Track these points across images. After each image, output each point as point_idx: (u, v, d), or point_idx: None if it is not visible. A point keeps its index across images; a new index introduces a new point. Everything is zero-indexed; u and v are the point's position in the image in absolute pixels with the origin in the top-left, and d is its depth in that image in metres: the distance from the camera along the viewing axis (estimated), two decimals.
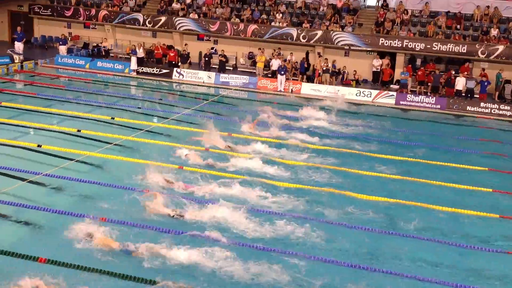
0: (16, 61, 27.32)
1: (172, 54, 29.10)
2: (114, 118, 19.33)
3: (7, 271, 9.35)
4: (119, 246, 10.28)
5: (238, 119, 20.07)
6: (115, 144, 16.15)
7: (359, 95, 26.29)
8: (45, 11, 32.62)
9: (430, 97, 25.77)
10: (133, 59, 28.27)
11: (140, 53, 28.84)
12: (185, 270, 9.77)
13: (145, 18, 31.00)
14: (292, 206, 12.81)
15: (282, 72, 26.73)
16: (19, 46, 28.06)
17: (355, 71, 27.98)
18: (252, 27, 29.55)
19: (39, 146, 15.75)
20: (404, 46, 27.63)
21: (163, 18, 30.82)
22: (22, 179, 13.12)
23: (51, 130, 17.40)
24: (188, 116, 20.17)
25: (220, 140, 17.04)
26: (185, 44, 29.59)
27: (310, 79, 27.92)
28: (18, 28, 28.88)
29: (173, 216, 11.81)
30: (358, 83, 27.82)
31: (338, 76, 27.94)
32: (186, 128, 18.68)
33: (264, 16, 30.52)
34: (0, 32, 33.60)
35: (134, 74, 28.07)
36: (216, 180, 13.81)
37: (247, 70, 29.81)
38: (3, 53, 27.77)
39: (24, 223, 11.25)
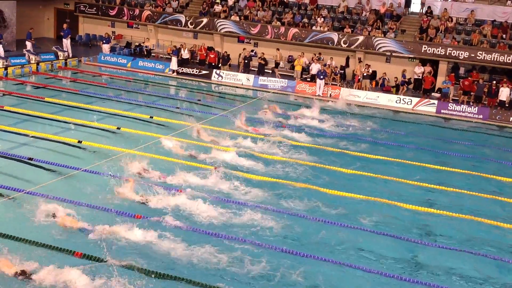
0: (61, 58, 27.98)
1: (212, 56, 29.31)
2: (152, 117, 19.57)
3: None
4: (78, 226, 11.01)
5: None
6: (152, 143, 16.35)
7: (399, 102, 25.90)
8: (90, 10, 33.32)
9: (472, 107, 25.17)
10: (174, 59, 28.58)
11: (185, 54, 29.19)
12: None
13: (187, 19, 31.31)
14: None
15: (322, 77, 26.57)
16: (66, 43, 28.69)
17: (396, 78, 27.59)
18: (293, 30, 29.50)
19: (79, 142, 16.07)
20: (447, 54, 27.09)
21: (205, 20, 31.07)
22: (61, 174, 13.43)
23: (91, 127, 17.72)
24: (225, 118, 20.22)
25: (205, 133, 17.77)
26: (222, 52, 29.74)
27: (350, 84, 27.70)
28: (64, 25, 29.52)
29: (140, 201, 12.48)
30: (398, 89, 27.40)
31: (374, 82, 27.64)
32: (222, 129, 18.71)
33: (305, 20, 30.42)
34: (46, 29, 34.47)
35: (174, 74, 28.37)
36: (193, 170, 14.48)
37: (286, 73, 29.76)
38: (49, 49, 28.47)
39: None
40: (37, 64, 26.27)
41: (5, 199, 11.85)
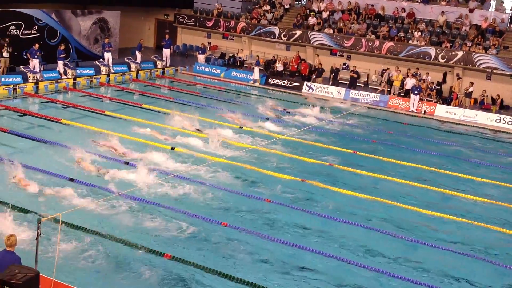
0: (159, 66, 29.13)
1: (303, 67, 29.31)
2: (242, 128, 19.84)
3: None
4: (30, 186, 12.40)
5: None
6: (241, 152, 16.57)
7: (499, 121, 24.54)
8: (189, 21, 34.50)
9: None
10: (256, 70, 29.01)
11: (279, 66, 29.52)
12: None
13: (280, 31, 31.58)
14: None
15: (416, 92, 25.75)
16: (166, 52, 29.85)
17: (498, 95, 26.19)
18: (388, 44, 28.87)
19: (172, 149, 16.56)
20: None
21: (298, 32, 31.17)
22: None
23: (184, 134, 18.22)
24: (312, 130, 20.10)
25: (186, 122, 19.04)
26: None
27: (446, 101, 26.65)
28: (166, 36, 30.70)
29: (97, 173, 13.85)
30: (501, 107, 25.98)
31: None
32: (308, 142, 18.66)
33: (401, 33, 29.68)
34: (146, 39, 36.05)
35: (256, 84, 28.78)
36: (160, 151, 15.76)
37: (379, 87, 29.15)
38: (148, 58, 29.73)
39: None
40: (137, 72, 27.52)
41: None
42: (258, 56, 30.09)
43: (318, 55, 30.13)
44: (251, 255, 10.83)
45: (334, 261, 10.87)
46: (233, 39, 33.85)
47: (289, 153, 17.38)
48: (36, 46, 23.78)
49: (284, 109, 23.56)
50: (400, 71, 27.58)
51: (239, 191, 13.90)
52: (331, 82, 28.51)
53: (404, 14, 30.89)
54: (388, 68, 28.44)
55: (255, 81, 28.99)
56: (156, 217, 12.00)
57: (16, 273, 6.92)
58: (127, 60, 27.86)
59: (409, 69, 27.62)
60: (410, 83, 26.59)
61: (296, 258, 10.87)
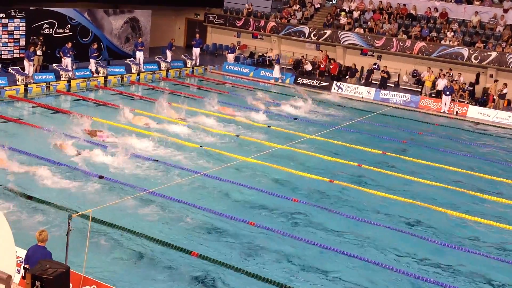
0: (189, 65, 29.30)
1: (332, 67, 29.11)
2: (270, 127, 19.81)
3: None
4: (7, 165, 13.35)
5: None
6: (268, 152, 16.51)
7: None
8: (219, 21, 34.62)
9: None
10: (276, 68, 28.98)
11: (308, 66, 29.40)
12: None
13: (310, 30, 31.42)
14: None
15: (448, 93, 25.32)
16: (196, 52, 29.99)
17: None
18: (420, 44, 28.46)
19: (201, 147, 16.63)
20: None
21: (328, 32, 30.97)
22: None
23: (213, 133, 18.29)
24: (340, 131, 19.93)
25: (172, 111, 19.82)
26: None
27: (479, 102, 26.15)
28: (197, 36, 30.88)
29: (74, 154, 14.68)
30: None
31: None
32: (336, 142, 18.52)
33: (433, 33, 29.23)
34: (177, 38, 36.29)
35: (278, 81, 28.73)
36: (139, 136, 16.54)
37: (409, 88, 28.78)
38: (178, 57, 29.93)
39: None
40: (167, 71, 27.73)
41: None
42: (278, 55, 30.06)
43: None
44: (277, 255, 10.79)
45: (361, 262, 10.76)
46: (263, 39, 33.82)
47: (316, 153, 17.27)
48: (69, 44, 24.18)
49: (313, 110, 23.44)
50: (432, 72, 27.16)
51: (267, 190, 13.88)
52: (363, 82, 28.26)
53: (437, 14, 30.41)
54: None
55: (276, 79, 28.94)
56: (184, 215, 12.07)
57: (47, 268, 7.02)
58: (158, 59, 28.11)
59: (441, 70, 27.17)
60: (442, 83, 26.17)
61: (323, 259, 10.79)
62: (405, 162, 17.34)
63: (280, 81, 28.82)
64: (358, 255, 10.94)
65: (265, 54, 32.57)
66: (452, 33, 28.68)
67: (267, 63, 31.83)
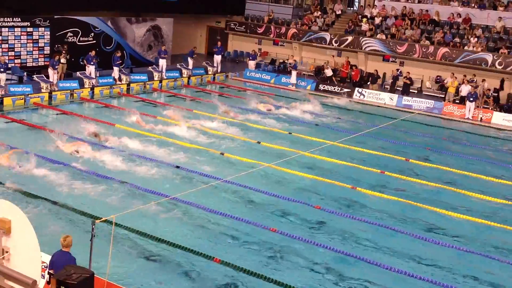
0: (210, 72, 29.44)
1: (354, 73, 28.99)
2: (291, 133, 19.77)
3: None
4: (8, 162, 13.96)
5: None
6: (290, 158, 16.46)
7: None
8: (240, 28, 34.75)
9: None
10: (293, 73, 28.95)
11: (328, 72, 29.33)
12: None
13: (332, 37, 31.35)
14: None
15: (471, 99, 25.00)
16: (217, 59, 30.14)
17: None
18: (443, 50, 28.19)
19: (221, 154, 16.67)
20: None
21: (350, 38, 30.86)
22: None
23: (233, 139, 18.32)
24: (362, 137, 19.78)
25: (192, 117, 20.32)
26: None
27: (503, 108, 25.76)
28: (218, 43, 31.02)
29: (71, 153, 15.18)
30: None
31: None
32: (358, 149, 18.40)
33: (456, 39, 28.93)
34: (198, 45, 36.53)
35: (293, 87, 28.72)
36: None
37: (433, 94, 28.49)
38: (200, 64, 30.09)
39: None
40: (189, 78, 27.90)
41: None
42: (295, 60, 30.11)
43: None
44: (298, 261, 10.73)
45: (384, 270, 10.63)
46: (284, 45, 33.84)
47: (338, 159, 17.18)
48: (93, 52, 24.49)
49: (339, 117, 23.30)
50: (456, 78, 26.85)
51: (288, 196, 13.83)
52: (388, 88, 28.08)
53: (460, 20, 30.10)
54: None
55: (292, 84, 28.92)
56: (206, 221, 12.09)
57: (72, 273, 7.07)
58: (179, 66, 28.30)
59: (465, 76, 26.84)
60: (465, 89, 25.84)
61: (346, 266, 10.70)
62: (429, 169, 17.16)
63: (294, 86, 28.80)
64: (381, 263, 10.81)
65: (286, 61, 32.56)
66: (476, 39, 28.34)
67: (288, 69, 31.79)
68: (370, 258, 10.98)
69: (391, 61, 30.35)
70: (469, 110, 25.08)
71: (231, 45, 35.74)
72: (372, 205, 13.84)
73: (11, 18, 23.30)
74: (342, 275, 10.38)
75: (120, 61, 25.58)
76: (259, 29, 34.03)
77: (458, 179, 16.38)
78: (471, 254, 11.60)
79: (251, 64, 31.36)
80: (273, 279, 9.88)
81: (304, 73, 31.81)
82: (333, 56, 31.20)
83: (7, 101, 20.28)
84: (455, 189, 15.38)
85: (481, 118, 24.93)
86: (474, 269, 11.09)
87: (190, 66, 28.61)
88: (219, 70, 30.08)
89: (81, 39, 26.08)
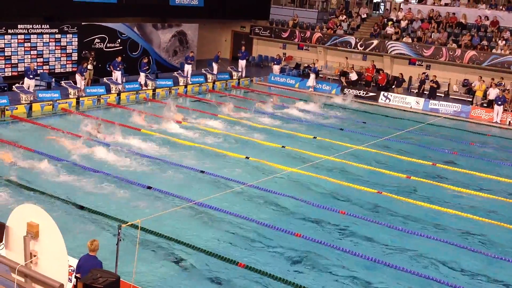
0: (235, 77, 29.54)
1: (380, 77, 28.74)
2: (316, 138, 19.69)
3: None
4: (11, 160, 14.49)
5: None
6: (315, 163, 16.39)
7: None
8: (264, 33, 34.81)
9: None
10: (312, 76, 28.88)
11: (353, 75, 29.20)
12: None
13: (357, 41, 31.18)
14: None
15: (500, 103, 24.57)
16: (242, 64, 30.24)
17: None
18: (470, 53, 27.79)
19: (247, 158, 16.69)
20: None
21: (375, 42, 30.65)
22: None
23: (258, 144, 18.33)
24: (388, 142, 19.60)
25: (178, 114, 20.80)
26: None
27: None
28: (243, 48, 31.12)
29: (70, 150, 15.81)
30: None
31: None
32: (384, 153, 18.24)
33: (484, 42, 28.49)
34: (223, 50, 36.69)
35: (310, 90, 28.64)
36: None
37: (460, 97, 28.10)
38: (225, 69, 30.22)
39: None
40: (213, 83, 28.03)
41: None
42: (314, 63, 29.96)
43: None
44: (324, 266, 10.67)
45: (410, 275, 10.49)
46: (308, 50, 33.78)
47: (364, 164, 17.05)
48: (119, 58, 24.79)
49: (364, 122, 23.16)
50: (484, 81, 26.44)
51: (313, 201, 13.76)
52: (416, 92, 27.81)
53: (488, 22, 29.65)
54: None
55: (309, 87, 28.83)
56: (231, 226, 12.11)
57: (98, 277, 7.14)
58: (204, 71, 28.46)
59: (493, 79, 26.40)
60: (493, 93, 25.42)
61: (371, 272, 10.58)
62: (456, 173, 16.91)
63: (312, 90, 28.72)
64: (407, 268, 10.68)
65: (311, 65, 32.45)
66: (504, 42, 27.88)
67: (307, 73, 31.68)
68: (396, 263, 10.85)
69: (417, 65, 30.04)
70: (497, 114, 24.65)
71: (256, 49, 35.82)
72: (398, 209, 13.69)
73: (40, 25, 23.75)
74: (369, 282, 10.28)
75: (147, 67, 25.85)
76: (283, 33, 34.04)
77: (486, 184, 16.09)
78: (501, 261, 11.38)
79: (276, 68, 31.35)
80: (299, 284, 9.83)
81: (329, 77, 31.70)
82: (346, 58, 31.00)
83: (35, 106, 20.66)
84: (484, 194, 15.12)
85: (509, 121, 24.47)
86: (506, 276, 10.86)
87: (215, 71, 28.76)
88: (243, 75, 30.15)
89: (108, 45, 26.43)
